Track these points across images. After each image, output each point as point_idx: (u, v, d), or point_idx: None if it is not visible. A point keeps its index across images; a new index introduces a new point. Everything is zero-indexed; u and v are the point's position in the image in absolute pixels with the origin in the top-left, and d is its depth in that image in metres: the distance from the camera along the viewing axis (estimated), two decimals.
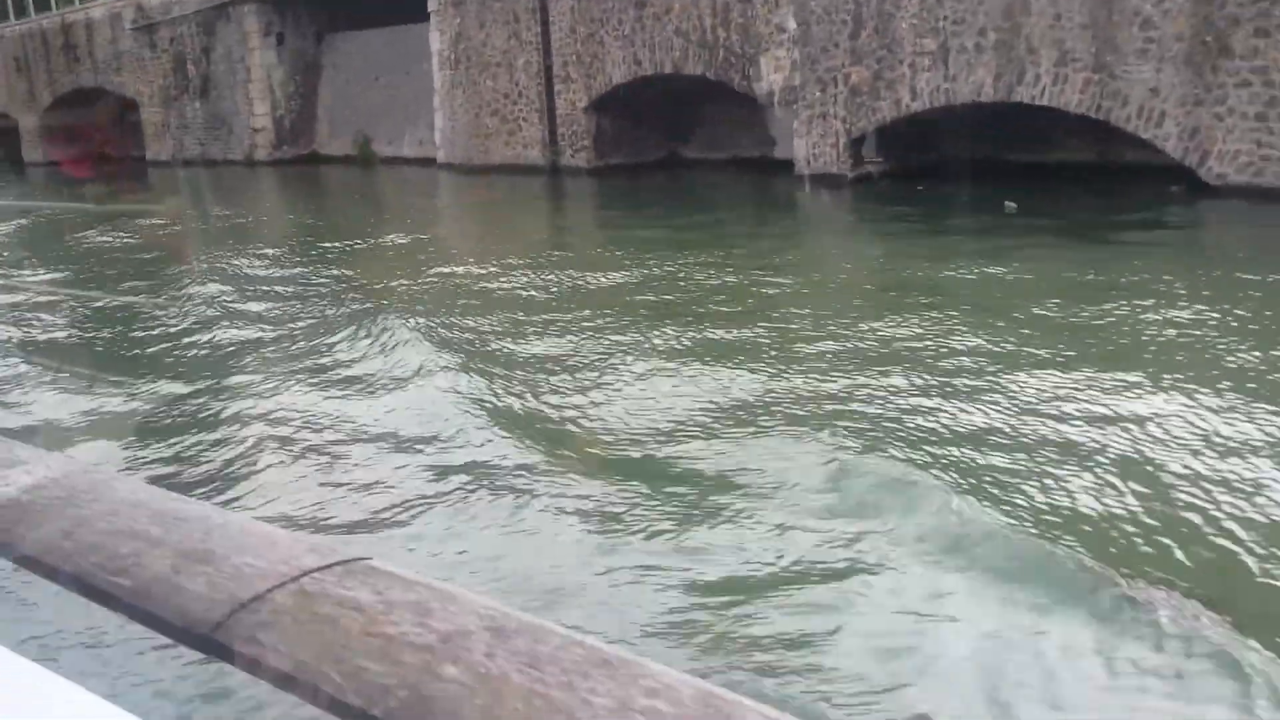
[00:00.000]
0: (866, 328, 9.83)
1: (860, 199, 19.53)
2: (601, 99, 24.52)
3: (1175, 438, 6.58)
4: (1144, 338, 9.08)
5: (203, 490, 6.57)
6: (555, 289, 12.71)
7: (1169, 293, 10.54)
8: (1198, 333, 9.10)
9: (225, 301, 12.94)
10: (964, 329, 9.58)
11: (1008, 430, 6.94)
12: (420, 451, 7.25)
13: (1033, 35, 16.99)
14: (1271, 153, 14.95)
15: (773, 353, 9.21)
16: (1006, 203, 15.94)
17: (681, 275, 13.16)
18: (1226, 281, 11.05)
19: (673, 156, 25.94)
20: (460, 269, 14.71)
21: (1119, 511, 5.62)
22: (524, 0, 25.48)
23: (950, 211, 16.98)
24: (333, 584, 1.24)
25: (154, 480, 6.47)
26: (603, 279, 13.16)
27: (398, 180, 29.58)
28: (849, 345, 9.28)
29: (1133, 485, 5.89)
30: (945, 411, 7.31)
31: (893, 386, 7.96)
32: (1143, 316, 9.67)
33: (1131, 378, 7.77)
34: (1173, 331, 9.18)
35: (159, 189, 32.57)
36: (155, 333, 11.91)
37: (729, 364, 8.88)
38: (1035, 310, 10.17)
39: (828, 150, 20.24)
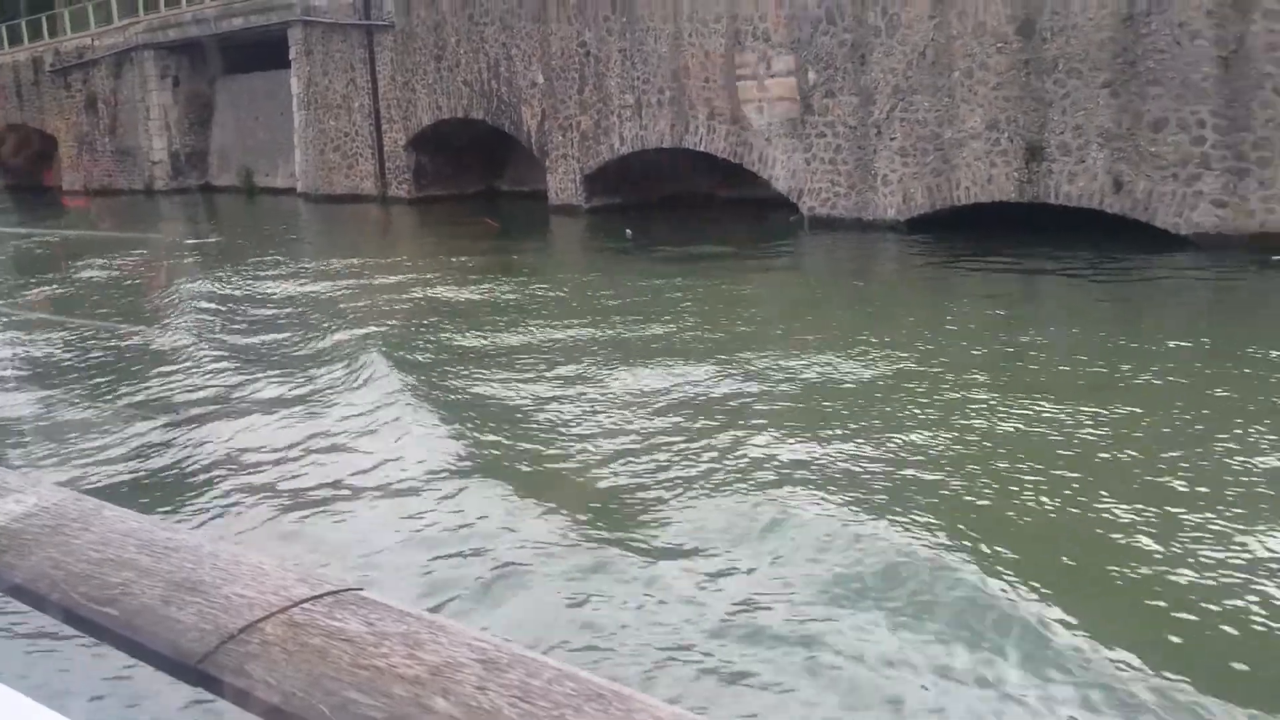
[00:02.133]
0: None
1: (586, 227, 24.14)
2: (419, 138, 29.32)
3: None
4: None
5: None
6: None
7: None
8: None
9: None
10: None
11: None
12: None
13: (693, 95, 21.67)
14: (839, 190, 19.52)
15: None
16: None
17: (443, 271, 18.02)
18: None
19: (489, 189, 30.62)
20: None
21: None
22: (357, 52, 30.42)
23: (628, 238, 21.55)
24: (323, 615, 1.25)
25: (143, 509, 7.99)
26: (385, 279, 17.72)
27: (263, 207, 34.50)
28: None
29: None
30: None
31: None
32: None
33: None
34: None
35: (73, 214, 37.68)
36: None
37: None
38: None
39: (569, 185, 24.90)
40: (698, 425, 8.85)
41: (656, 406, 9.45)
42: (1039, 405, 8.87)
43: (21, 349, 13.96)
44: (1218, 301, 13.54)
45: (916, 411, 9.00)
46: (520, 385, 10.42)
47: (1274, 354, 10.15)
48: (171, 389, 11.10)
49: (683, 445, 8.37)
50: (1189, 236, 15.23)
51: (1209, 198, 14.99)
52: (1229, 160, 14.78)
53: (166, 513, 7.25)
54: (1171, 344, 10.97)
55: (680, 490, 7.40)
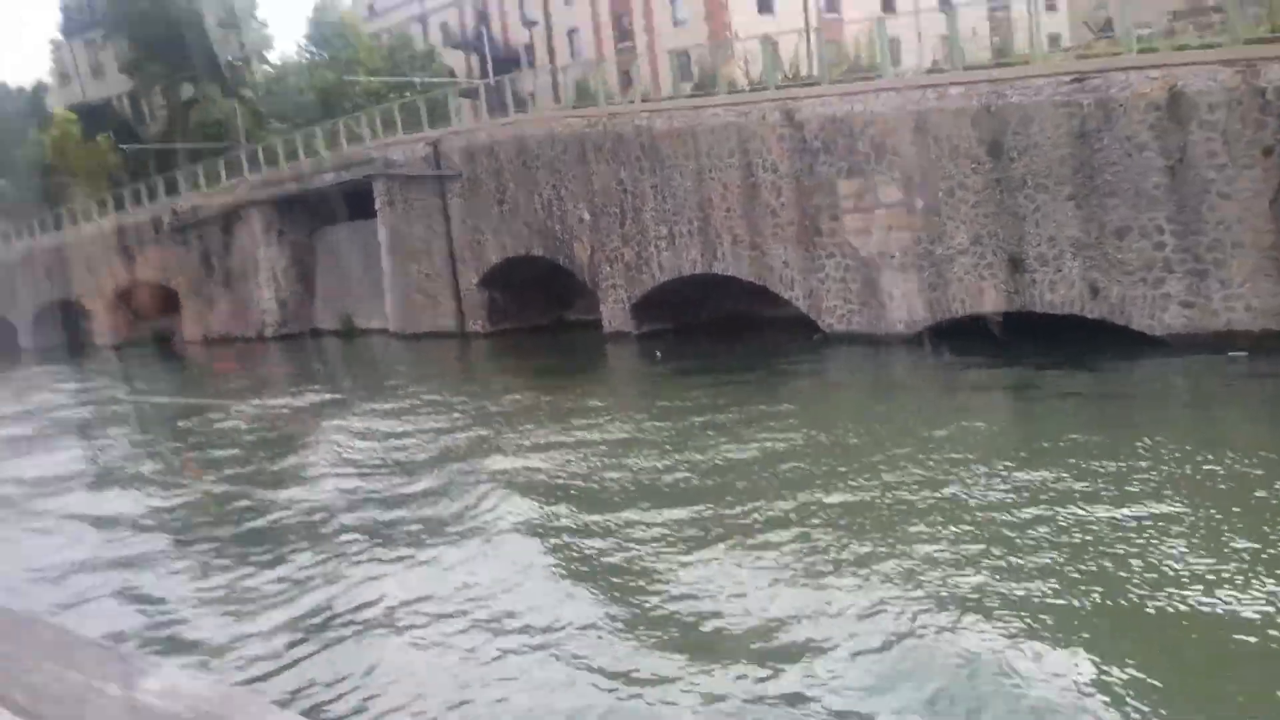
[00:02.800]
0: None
1: (636, 352, 25.87)
2: (490, 276, 31.77)
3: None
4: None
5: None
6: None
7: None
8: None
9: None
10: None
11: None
12: None
13: (717, 224, 23.40)
14: (853, 305, 20.82)
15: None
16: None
17: (504, 395, 20.02)
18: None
19: (558, 320, 32.76)
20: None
21: None
22: (432, 200, 33.29)
23: (662, 361, 23.18)
24: None
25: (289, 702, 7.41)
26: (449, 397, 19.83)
27: (362, 349, 37.40)
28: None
29: None
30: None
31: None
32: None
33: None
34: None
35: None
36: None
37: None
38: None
39: (619, 313, 26.78)
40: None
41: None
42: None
43: (171, 516, 14.34)
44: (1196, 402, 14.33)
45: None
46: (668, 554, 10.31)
47: None
48: (310, 565, 11.08)
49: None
50: (1164, 337, 16.02)
51: (1176, 299, 15.83)
52: (1189, 263, 15.63)
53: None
54: (1153, 439, 11.90)
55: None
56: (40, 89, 71.09)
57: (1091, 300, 16.78)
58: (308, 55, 61.70)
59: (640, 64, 53.00)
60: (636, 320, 26.47)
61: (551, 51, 63.07)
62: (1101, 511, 9.67)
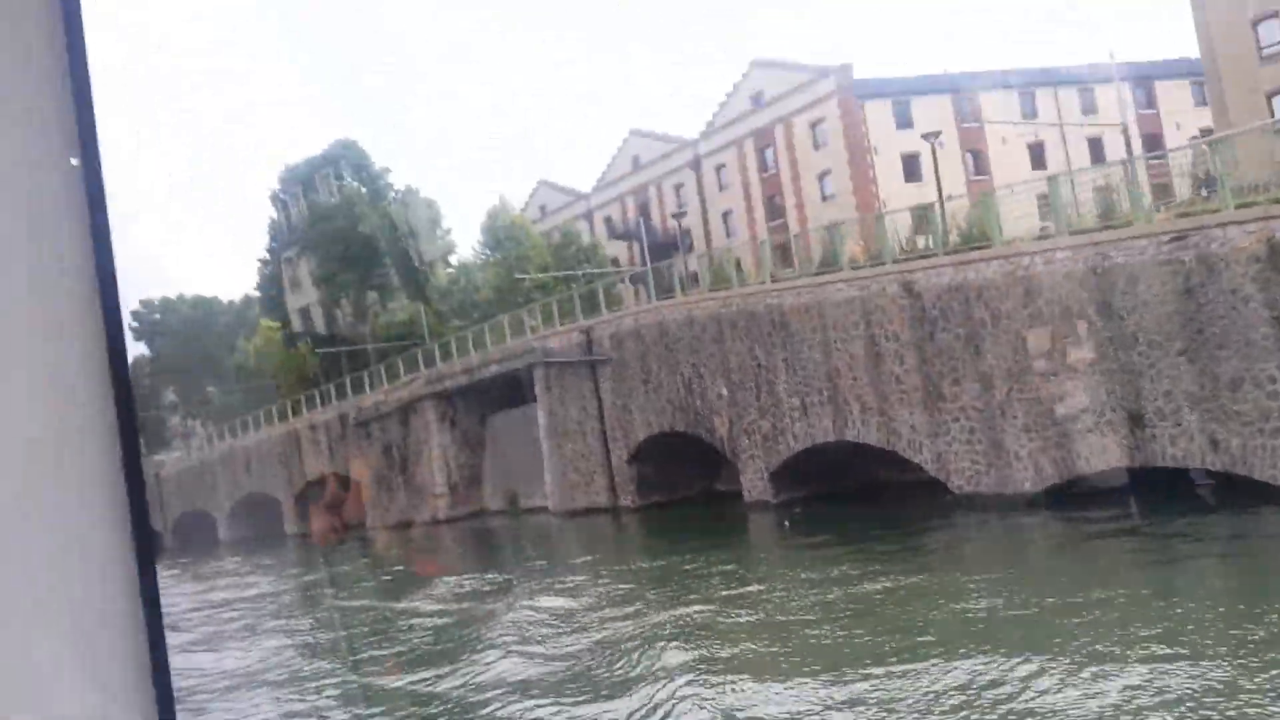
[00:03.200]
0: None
1: (774, 521, 26.41)
2: (638, 452, 33.09)
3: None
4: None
5: None
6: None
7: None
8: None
9: None
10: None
11: None
12: None
13: (845, 392, 24.13)
14: (980, 466, 20.98)
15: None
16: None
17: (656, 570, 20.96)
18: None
19: (707, 491, 33.64)
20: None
21: None
22: (585, 384, 35.20)
23: (794, 529, 23.67)
24: None
25: None
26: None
27: (525, 525, 39.00)
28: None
29: None
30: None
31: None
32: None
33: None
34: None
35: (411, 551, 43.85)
36: None
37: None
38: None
39: (759, 483, 27.49)
40: None
41: None
42: None
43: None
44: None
45: None
46: None
47: None
48: None
49: None
50: None
51: None
52: None
53: None
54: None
55: None
56: (248, 302, 78.70)
57: (1213, 453, 16.60)
58: (483, 256, 66.57)
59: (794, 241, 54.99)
60: (775, 489, 27.08)
61: (708, 235, 66.14)
62: None
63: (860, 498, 25.65)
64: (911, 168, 57.94)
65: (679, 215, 62.56)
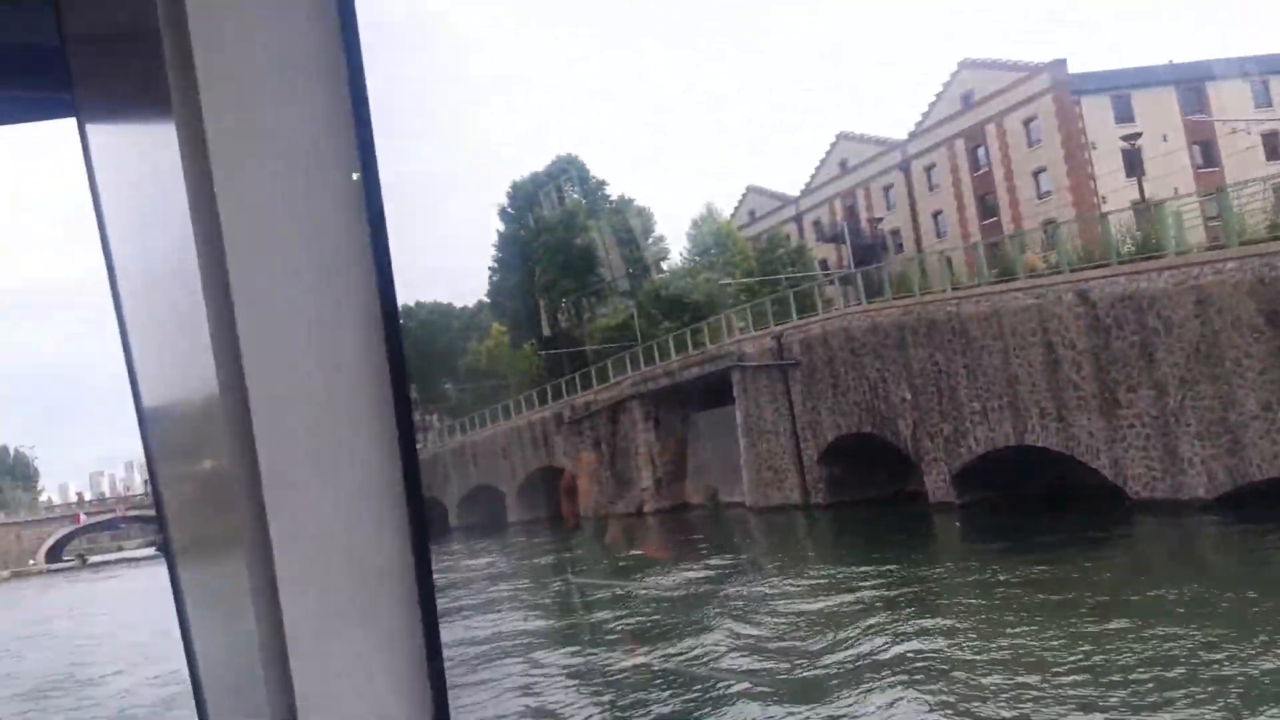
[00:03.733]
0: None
1: (952, 518, 27.09)
2: (828, 452, 34.27)
3: None
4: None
5: None
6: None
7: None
8: None
9: None
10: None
11: None
12: None
13: (1025, 398, 24.63)
14: (1156, 472, 21.18)
15: None
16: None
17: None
18: None
19: (899, 492, 34.40)
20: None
21: None
22: (778, 386, 36.65)
23: (971, 532, 24.37)
24: None
25: None
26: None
27: (725, 519, 40.79)
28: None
29: None
30: None
31: None
32: None
33: None
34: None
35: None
36: None
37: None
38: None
39: (942, 485, 28.22)
40: None
41: None
42: None
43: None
44: None
45: None
46: None
47: None
48: None
49: None
50: None
51: None
52: None
53: None
54: None
55: None
56: (480, 307, 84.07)
57: None
58: (691, 261, 68.79)
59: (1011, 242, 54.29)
60: (957, 490, 27.73)
61: (918, 236, 65.98)
62: None
63: (1041, 501, 25.98)
64: (1132, 162, 55.95)
65: (874, 220, 62.97)
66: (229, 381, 0.94)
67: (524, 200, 72.37)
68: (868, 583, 20.72)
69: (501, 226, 75.15)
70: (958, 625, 15.60)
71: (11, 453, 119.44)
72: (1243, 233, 20.74)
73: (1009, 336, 24.97)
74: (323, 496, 0.96)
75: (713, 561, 29.00)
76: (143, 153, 1.10)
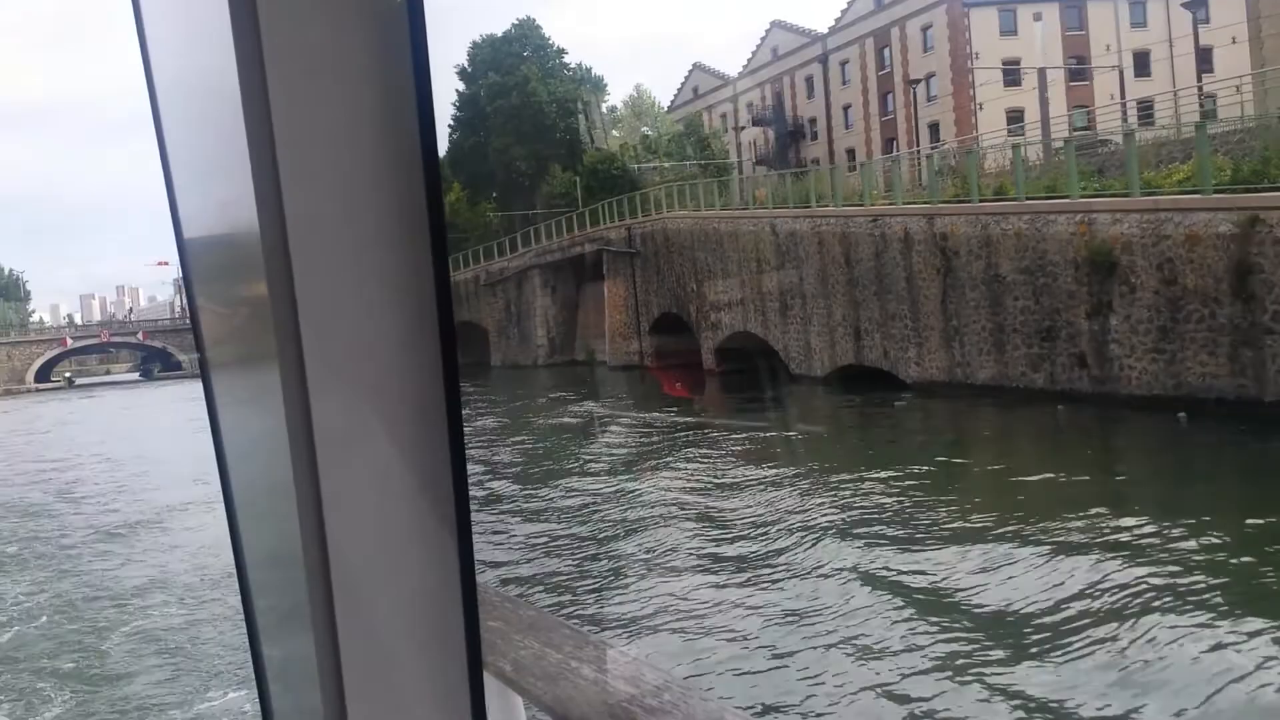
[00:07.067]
0: None
1: (715, 380, 37.26)
2: (654, 325, 44.25)
3: None
4: None
5: None
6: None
7: None
8: None
9: None
10: None
11: None
12: None
13: (747, 299, 34.45)
14: (800, 357, 31.23)
15: None
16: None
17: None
18: None
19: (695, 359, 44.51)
20: None
21: None
22: (629, 270, 46.34)
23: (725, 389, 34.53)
24: None
25: None
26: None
27: (595, 372, 51.11)
28: None
29: None
30: None
31: None
32: None
33: None
34: None
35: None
36: None
37: None
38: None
39: (709, 354, 38.30)
40: None
41: None
42: None
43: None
44: None
45: None
46: None
47: None
48: None
49: None
50: None
51: None
52: None
53: None
54: None
55: None
56: (441, 164, 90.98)
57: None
58: (624, 140, 75.80)
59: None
60: (716, 361, 37.87)
61: (830, 128, 74.11)
62: None
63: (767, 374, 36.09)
64: (1010, 75, 63.07)
65: (759, 120, 70.40)
66: (266, 200, 0.99)
67: (482, 64, 77.25)
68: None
69: (462, 86, 79.07)
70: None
71: (6, 272, 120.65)
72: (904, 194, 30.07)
73: (742, 251, 34.68)
74: (356, 313, 1.02)
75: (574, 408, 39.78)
76: None
